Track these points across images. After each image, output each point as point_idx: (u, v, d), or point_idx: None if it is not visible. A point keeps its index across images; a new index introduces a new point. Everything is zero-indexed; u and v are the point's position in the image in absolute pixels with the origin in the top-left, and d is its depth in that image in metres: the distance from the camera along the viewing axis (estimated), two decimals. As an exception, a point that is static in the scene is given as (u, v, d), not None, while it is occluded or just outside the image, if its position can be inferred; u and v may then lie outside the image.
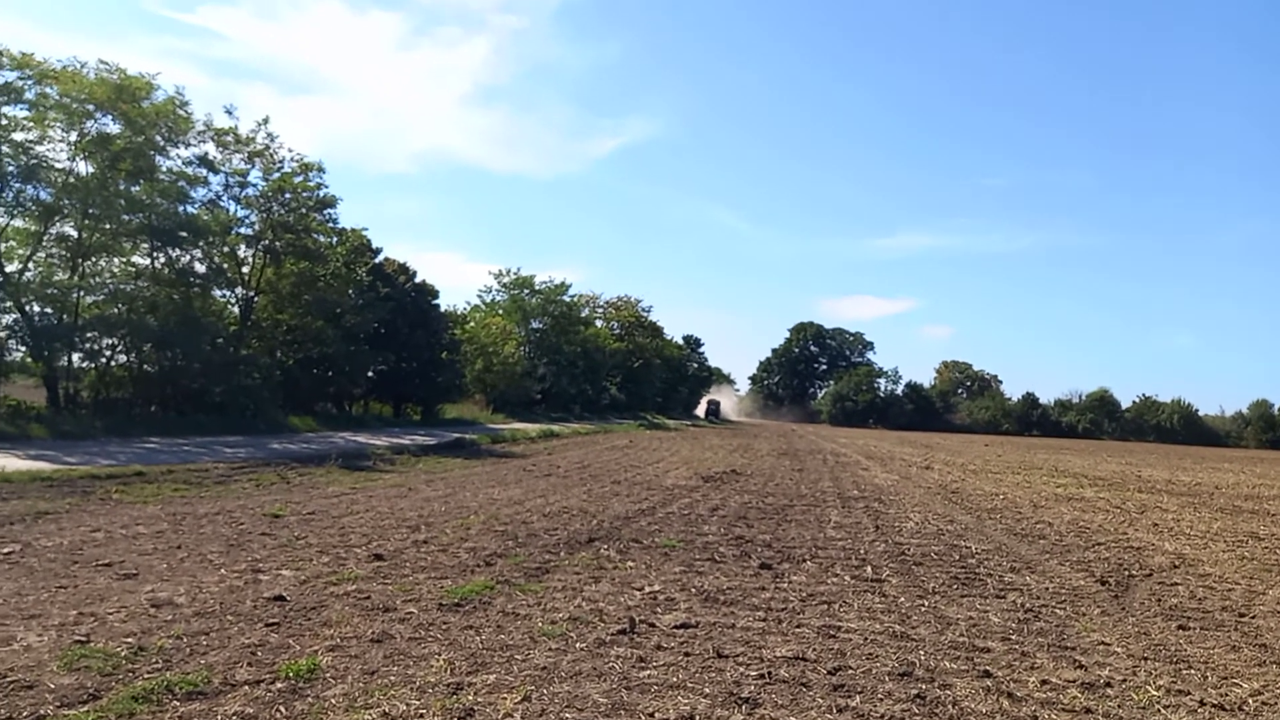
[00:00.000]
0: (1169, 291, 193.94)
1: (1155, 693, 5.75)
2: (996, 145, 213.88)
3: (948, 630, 7.07)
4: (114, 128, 25.43)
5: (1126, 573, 10.34)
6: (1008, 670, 6.06)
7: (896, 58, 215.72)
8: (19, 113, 23.86)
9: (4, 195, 23.66)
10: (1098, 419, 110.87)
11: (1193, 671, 6.34)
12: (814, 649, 6.31)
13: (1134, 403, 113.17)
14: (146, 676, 4.99)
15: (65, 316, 24.88)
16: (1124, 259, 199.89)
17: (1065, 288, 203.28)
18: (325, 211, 33.16)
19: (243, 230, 31.23)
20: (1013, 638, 6.97)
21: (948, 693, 5.49)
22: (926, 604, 8.03)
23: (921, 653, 6.36)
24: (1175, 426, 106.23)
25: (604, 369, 69.33)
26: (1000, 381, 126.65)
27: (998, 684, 5.72)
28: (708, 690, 5.30)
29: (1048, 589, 9.11)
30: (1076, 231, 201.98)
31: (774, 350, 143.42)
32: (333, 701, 4.80)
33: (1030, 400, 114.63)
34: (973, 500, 18.25)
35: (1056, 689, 5.71)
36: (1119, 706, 5.45)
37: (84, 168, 25.40)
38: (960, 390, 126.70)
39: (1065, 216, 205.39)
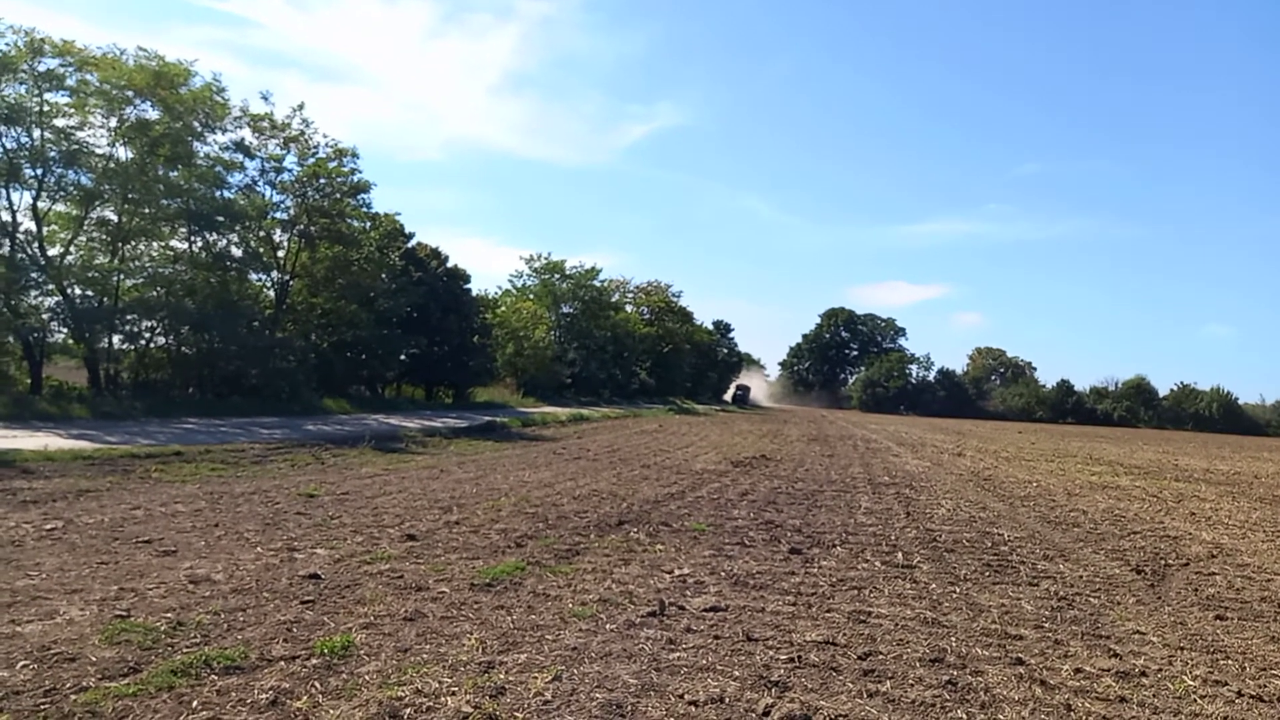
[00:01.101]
0: (1207, 281, 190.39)
1: (1191, 683, 5.68)
2: (1030, 133, 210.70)
3: (980, 617, 7.02)
4: (153, 114, 25.78)
5: (1163, 562, 10.20)
6: (1040, 658, 6.01)
7: (926, 48, 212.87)
8: (61, 99, 24.28)
9: (46, 180, 24.10)
10: (1134, 407, 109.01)
11: (1230, 662, 6.26)
12: (844, 634, 6.29)
13: (1171, 391, 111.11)
14: (185, 651, 5.10)
15: (106, 299, 25.33)
16: (1160, 248, 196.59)
17: (1100, 276, 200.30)
18: (359, 196, 33.42)
19: (278, 215, 31.62)
20: (1046, 626, 6.90)
21: (979, 679, 5.46)
22: (958, 591, 7.98)
23: (953, 639, 6.32)
24: (1214, 415, 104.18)
25: (634, 354, 69.37)
26: (1034, 368, 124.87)
27: (1030, 672, 5.67)
28: (737, 673, 5.31)
29: (1082, 577, 9.01)
30: (1112, 219, 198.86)
31: (804, 336, 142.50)
32: (366, 678, 4.87)
33: (1065, 387, 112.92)
34: (1005, 487, 18.07)
35: (1090, 678, 5.65)
36: (1154, 696, 5.39)
37: (124, 153, 25.80)
38: (993, 377, 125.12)
39: (1100, 204, 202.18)
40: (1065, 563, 9.80)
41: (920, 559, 9.44)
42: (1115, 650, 6.32)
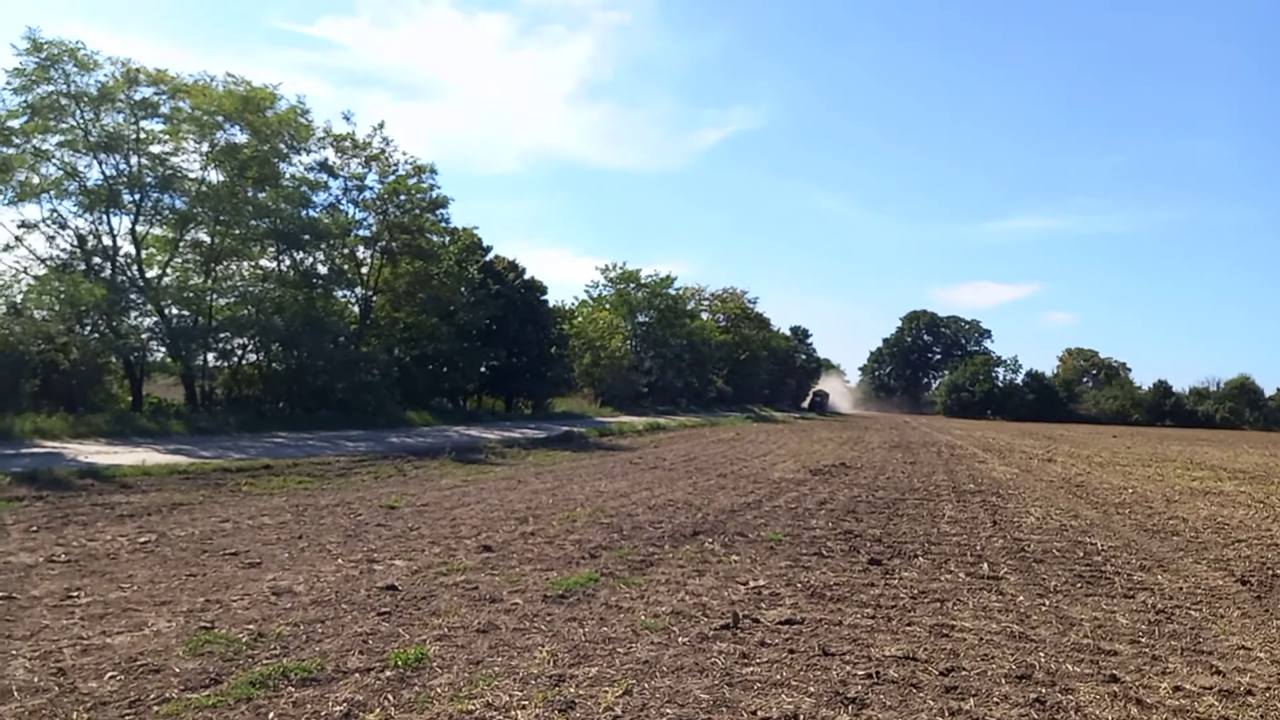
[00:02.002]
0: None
1: (1304, 704, 5.31)
2: (1117, 119, 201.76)
3: (1070, 631, 6.70)
4: (241, 137, 26.90)
5: (1270, 572, 9.61)
6: (1136, 675, 5.69)
7: (1005, 32, 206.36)
8: (155, 126, 25.55)
9: (144, 205, 25.31)
10: (1238, 408, 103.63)
11: (1348, 682, 5.83)
12: (925, 649, 6.08)
13: (1279, 390, 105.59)
14: (265, 662, 5.21)
15: (200, 318, 26.45)
16: (1262, 236, 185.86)
17: (1198, 269, 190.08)
18: (438, 212, 34.26)
19: (361, 232, 32.62)
20: (1142, 640, 6.55)
21: (1070, 698, 5.19)
22: (1047, 603, 7.64)
23: (1041, 654, 6.04)
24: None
25: (710, 361, 69.19)
26: (1129, 369, 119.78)
27: (1125, 689, 5.37)
28: (812, 689, 5.17)
29: (1181, 589, 8.55)
30: (1207, 208, 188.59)
31: (885, 340, 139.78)
32: (438, 691, 4.89)
33: (1162, 388, 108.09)
34: (1099, 494, 17.35)
35: (1191, 696, 5.33)
36: (1261, 717, 5.05)
37: (215, 176, 26.98)
38: (1085, 379, 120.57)
39: (1194, 192, 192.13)
40: (1164, 573, 9.32)
41: (1007, 570, 9.10)
42: (1218, 667, 5.95)
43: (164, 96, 25.22)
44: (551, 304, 45.82)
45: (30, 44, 22.60)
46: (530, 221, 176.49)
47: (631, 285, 63.70)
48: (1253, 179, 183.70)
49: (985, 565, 9.30)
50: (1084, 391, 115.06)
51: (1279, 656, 6.31)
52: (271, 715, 4.47)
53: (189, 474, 13.92)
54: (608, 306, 61.91)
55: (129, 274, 25.39)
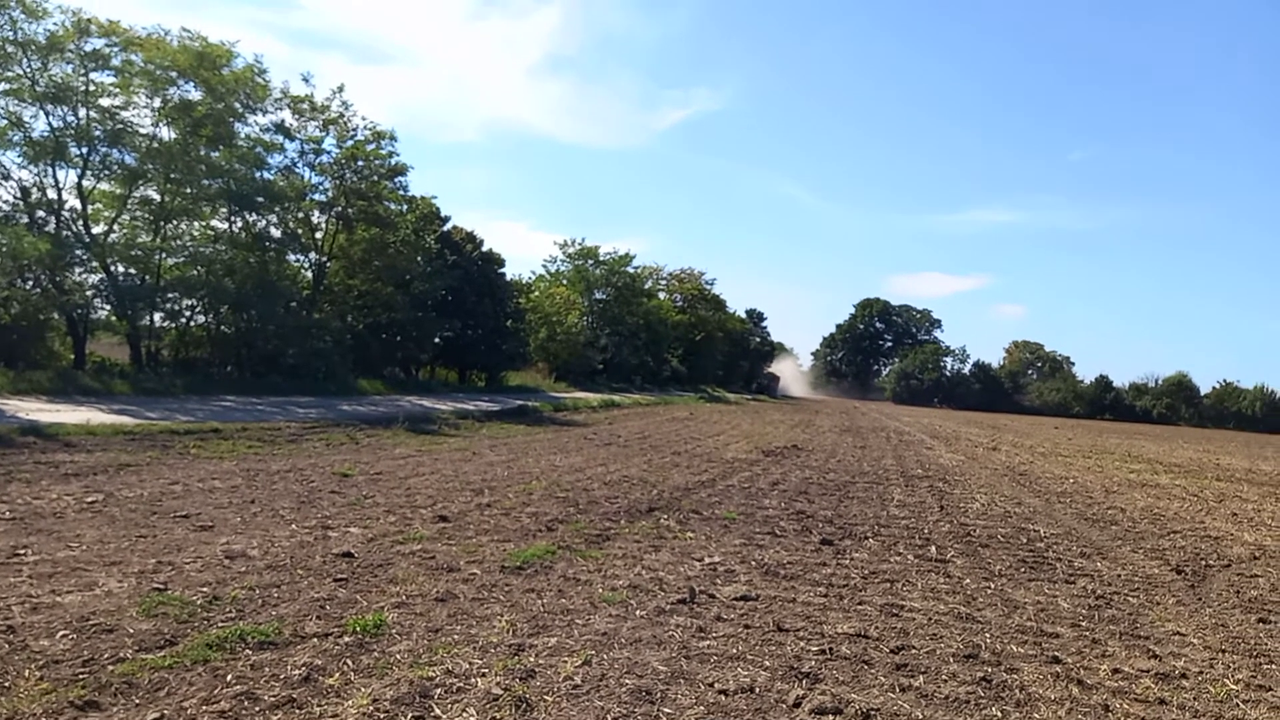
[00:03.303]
0: (1255, 273, 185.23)
1: (1234, 686, 5.55)
2: (1077, 118, 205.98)
3: (1015, 614, 6.91)
4: (195, 95, 26.06)
5: (1203, 562, 9.99)
6: (1078, 657, 5.90)
7: (972, 25, 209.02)
8: (106, 79, 24.63)
9: (91, 159, 24.49)
10: (1175, 404, 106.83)
11: (1273, 666, 6.10)
12: (876, 627, 6.22)
13: (1214, 388, 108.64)
14: (220, 625, 5.16)
15: (148, 277, 25.77)
16: (1207, 237, 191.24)
17: (1147, 267, 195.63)
18: (396, 179, 33.62)
19: (316, 196, 31.89)
20: (1083, 624, 6.78)
21: (1015, 677, 5.37)
22: (993, 586, 7.86)
23: (987, 635, 6.23)
24: (1258, 414, 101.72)
25: (666, 341, 69.30)
26: (1072, 363, 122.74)
27: (1067, 670, 5.57)
28: (768, 663, 5.27)
29: (1120, 576, 8.85)
30: (1161, 208, 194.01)
31: (838, 326, 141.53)
32: (398, 657, 4.90)
33: (1103, 383, 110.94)
34: (1041, 483, 17.82)
35: (1129, 679, 5.54)
36: (1195, 699, 5.27)
37: (166, 133, 26.14)
38: (1030, 371, 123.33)
39: (1150, 192, 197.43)
40: (1103, 561, 9.63)
41: (954, 553, 9.33)
42: (1155, 651, 6.19)
43: (116, 49, 24.31)
44: (509, 277, 45.49)
45: (-25, -14, 21.66)
46: (488, 192, 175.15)
47: (589, 262, 63.40)
48: (1207, 182, 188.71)
49: (933, 548, 9.52)
50: (1028, 383, 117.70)
51: (1211, 642, 6.58)
52: (229, 677, 4.44)
53: (135, 435, 13.62)
54: (565, 282, 61.61)
55: (74, 229, 24.58)
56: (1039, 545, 10.30)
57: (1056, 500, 15.06)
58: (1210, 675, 5.75)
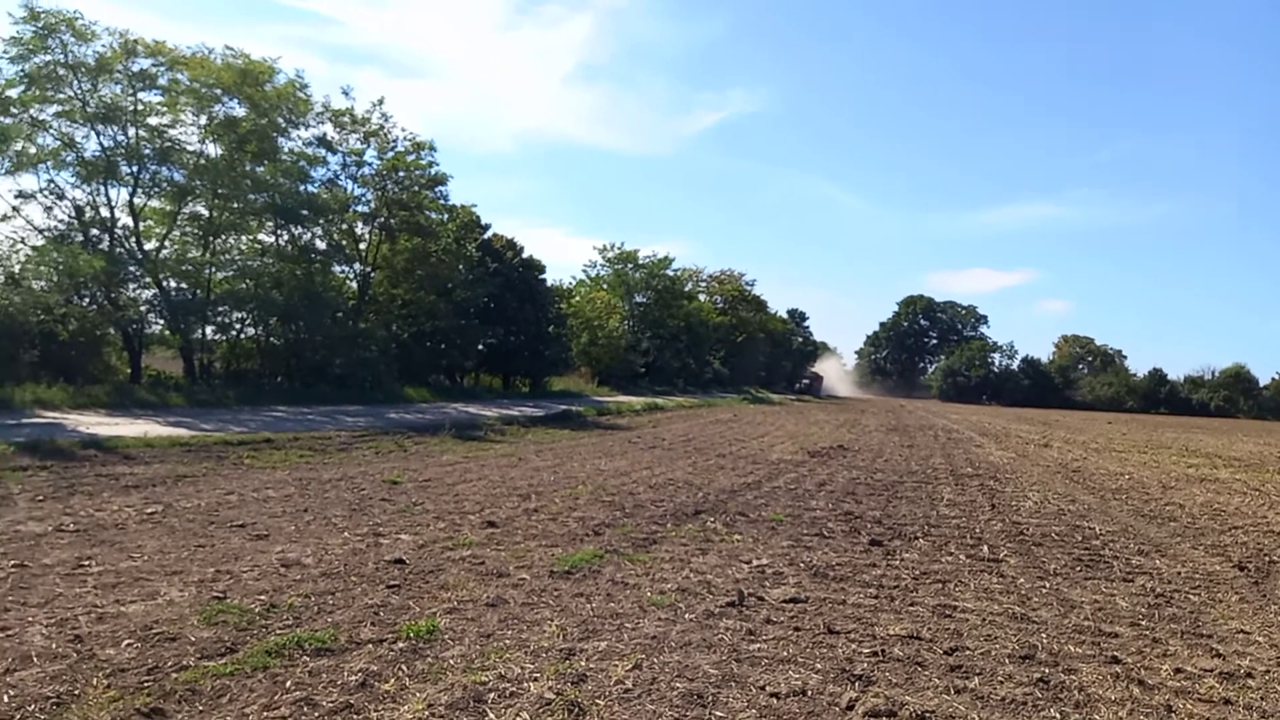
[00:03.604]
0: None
1: (1302, 686, 5.39)
2: (1120, 112, 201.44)
3: (1071, 614, 6.78)
4: (240, 111, 26.71)
5: (1267, 558, 9.71)
6: (1138, 657, 5.77)
7: (1008, 24, 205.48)
8: (153, 98, 25.35)
9: (142, 177, 25.16)
10: (1233, 396, 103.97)
11: (1344, 666, 5.92)
12: (929, 628, 6.15)
13: (1273, 379, 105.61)
14: (279, 632, 5.26)
15: (199, 291, 26.38)
16: (1258, 229, 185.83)
17: (1195, 260, 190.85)
18: (436, 189, 34.13)
19: (359, 208, 32.54)
20: (1143, 623, 6.63)
21: (1073, 678, 5.27)
22: (1048, 586, 7.72)
23: (1044, 635, 6.12)
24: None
25: (707, 343, 69.20)
26: (1124, 357, 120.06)
27: (1127, 671, 5.45)
28: (819, 666, 5.23)
29: (1180, 573, 8.65)
30: (1204, 201, 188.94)
31: (882, 324, 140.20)
32: (451, 662, 4.95)
33: (1158, 376, 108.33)
34: (1096, 480, 17.46)
35: (1192, 678, 5.41)
36: (1261, 699, 5.13)
37: (213, 150, 26.81)
38: (1080, 365, 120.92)
39: (1192, 186, 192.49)
40: (1162, 558, 9.42)
41: (1007, 553, 9.18)
42: (1218, 650, 6.04)
43: (162, 68, 25.00)
44: (549, 283, 45.78)
45: (28, 12, 22.35)
46: (525, 200, 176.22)
47: (629, 265, 63.57)
48: (1248, 175, 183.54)
49: (985, 548, 9.38)
50: (1079, 378, 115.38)
51: (1277, 640, 6.40)
52: (289, 684, 4.53)
53: (191, 446, 13.93)
54: (605, 286, 61.82)
55: (127, 246, 25.27)
56: (1095, 543, 10.09)
57: (1112, 497, 14.75)
58: (1277, 674, 5.59)
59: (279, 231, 29.23)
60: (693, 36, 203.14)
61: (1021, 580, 7.88)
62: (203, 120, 26.35)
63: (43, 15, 22.49)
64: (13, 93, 22.87)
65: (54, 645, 4.84)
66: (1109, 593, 7.58)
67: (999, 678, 5.20)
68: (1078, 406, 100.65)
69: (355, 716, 4.21)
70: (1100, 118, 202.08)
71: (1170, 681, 5.33)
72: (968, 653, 5.64)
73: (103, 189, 24.72)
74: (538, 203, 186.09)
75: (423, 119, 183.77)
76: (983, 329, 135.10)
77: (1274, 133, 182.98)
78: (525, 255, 41.17)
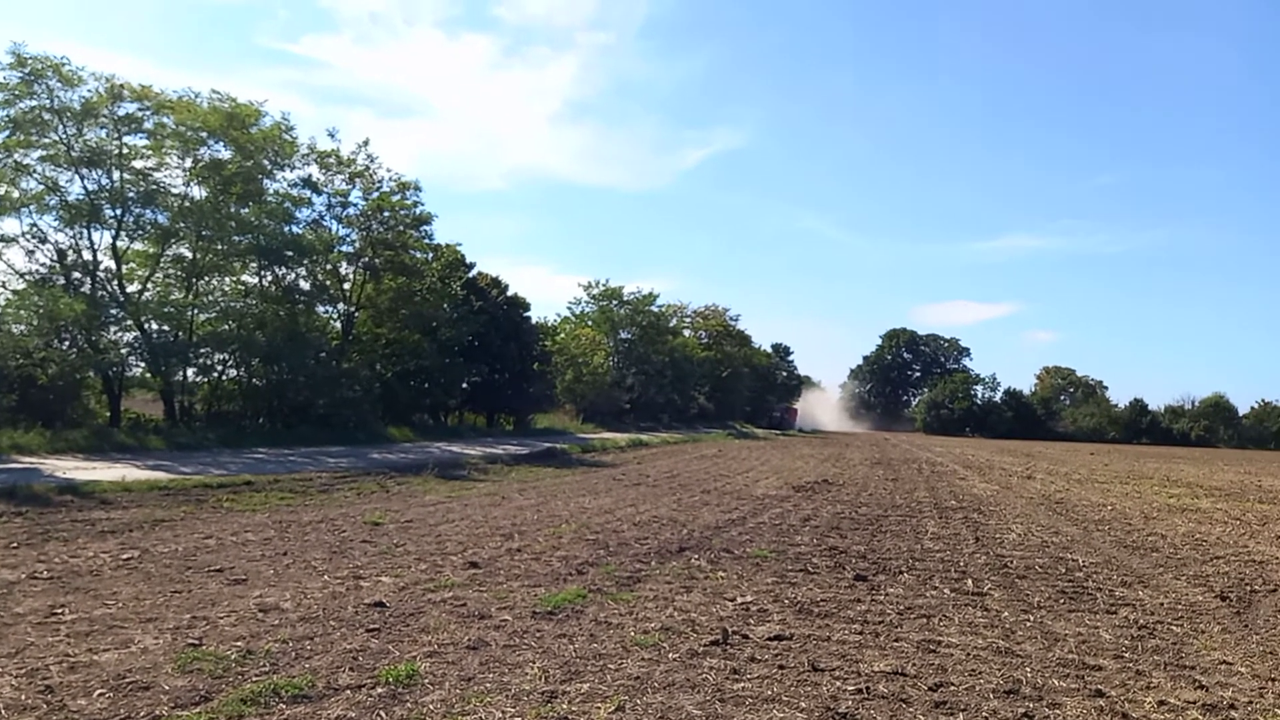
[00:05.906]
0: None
1: (1285, 717, 5.39)
2: (1106, 142, 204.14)
3: (1055, 647, 6.77)
4: (225, 153, 26.82)
5: (1249, 588, 9.74)
6: (1122, 690, 5.77)
7: (992, 54, 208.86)
8: (139, 142, 25.43)
9: (125, 220, 25.15)
10: (1213, 426, 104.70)
11: (1327, 695, 5.92)
12: (913, 664, 6.13)
13: (1252, 409, 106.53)
14: (255, 679, 5.18)
15: (180, 334, 26.27)
16: (1236, 258, 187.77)
17: (1180, 290, 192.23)
18: (421, 228, 34.29)
19: (344, 248, 32.57)
20: (1126, 655, 6.63)
21: (1057, 712, 5.25)
22: (1032, 619, 7.72)
23: (1028, 670, 6.11)
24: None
25: (692, 378, 69.26)
26: (1105, 387, 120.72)
27: (1111, 704, 5.44)
28: (804, 704, 5.20)
29: (1163, 604, 8.66)
30: (1192, 231, 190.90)
31: (865, 358, 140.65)
32: (431, 707, 4.89)
33: (1139, 406, 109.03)
34: (1079, 511, 17.51)
35: (1175, 710, 5.41)
36: (1245, 731, 5.13)
37: (198, 192, 26.85)
38: (1062, 397, 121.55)
39: (1181, 215, 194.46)
40: (1145, 589, 9.43)
41: (991, 586, 9.17)
42: (1201, 681, 6.04)
43: (148, 112, 25.11)
44: (534, 320, 45.85)
45: (14, 59, 22.45)
46: (514, 239, 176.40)
47: (614, 302, 63.76)
48: (1238, 204, 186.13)
49: (969, 581, 9.37)
50: (1061, 409, 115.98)
51: (1260, 671, 6.41)
52: (264, 732, 4.46)
53: (170, 490, 13.78)
54: (590, 323, 61.94)
55: (109, 289, 25.19)
56: (1078, 575, 10.11)
57: (1095, 528, 14.79)
58: (1260, 705, 5.59)
59: (263, 272, 29.23)
60: (678, 74, 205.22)
61: (1006, 613, 7.87)
62: (188, 163, 26.45)
63: (29, 61, 22.59)
64: (-3, 138, 22.90)
65: (23, 696, 4.75)
66: (1092, 625, 7.58)
67: (984, 713, 5.18)
68: (1060, 437, 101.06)
69: (331, 765, 4.14)
70: (1089, 147, 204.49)
71: (1154, 714, 5.33)
72: (952, 688, 5.62)
73: (86, 232, 24.70)
74: (527, 240, 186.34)
75: (414, 158, 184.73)
76: (965, 361, 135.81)
77: (1257, 164, 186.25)
78: (510, 293, 41.30)
